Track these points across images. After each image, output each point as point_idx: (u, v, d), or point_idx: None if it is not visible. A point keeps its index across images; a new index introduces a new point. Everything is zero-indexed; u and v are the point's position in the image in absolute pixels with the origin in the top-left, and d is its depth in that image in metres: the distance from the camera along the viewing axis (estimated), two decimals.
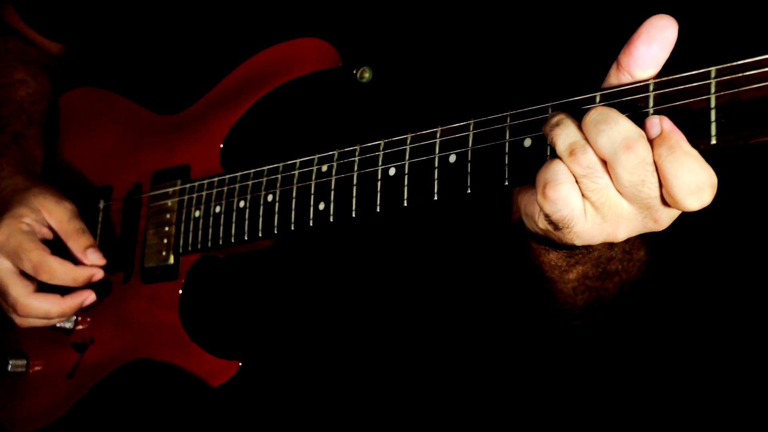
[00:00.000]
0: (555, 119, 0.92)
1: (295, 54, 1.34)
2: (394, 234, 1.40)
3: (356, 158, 1.16)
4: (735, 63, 0.84)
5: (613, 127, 0.86)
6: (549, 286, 1.21)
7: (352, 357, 1.44)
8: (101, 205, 1.56)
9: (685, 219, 0.93)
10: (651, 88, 0.90)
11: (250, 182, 1.30)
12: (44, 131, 1.69)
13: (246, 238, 1.30)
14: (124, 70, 1.69)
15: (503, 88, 1.31)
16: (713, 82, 0.86)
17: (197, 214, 1.38)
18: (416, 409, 1.45)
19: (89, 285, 1.45)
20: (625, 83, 0.92)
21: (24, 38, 1.75)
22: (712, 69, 0.86)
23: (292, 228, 1.23)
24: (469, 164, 1.04)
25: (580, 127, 0.89)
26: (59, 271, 1.40)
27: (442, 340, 1.47)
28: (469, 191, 1.04)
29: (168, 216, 1.43)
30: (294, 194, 1.23)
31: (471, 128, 1.04)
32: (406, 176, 1.09)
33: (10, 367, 1.59)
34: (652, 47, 0.90)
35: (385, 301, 1.44)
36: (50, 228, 1.46)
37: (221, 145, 1.40)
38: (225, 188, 1.34)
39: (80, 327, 1.53)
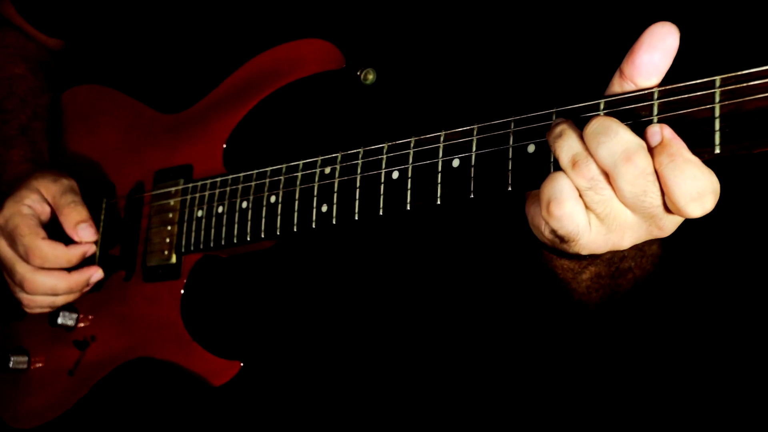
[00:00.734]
0: (558, 129, 0.91)
1: (298, 55, 1.34)
2: (396, 236, 1.40)
3: (359, 161, 1.16)
4: (740, 72, 0.84)
5: (613, 139, 0.86)
6: (564, 285, 1.22)
7: (354, 358, 1.44)
8: (104, 202, 1.57)
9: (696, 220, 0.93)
10: (655, 96, 0.90)
11: (252, 183, 1.30)
12: (47, 127, 1.70)
13: (248, 239, 1.30)
14: (125, 67, 1.69)
15: (508, 91, 1.31)
16: (718, 91, 0.86)
17: (200, 213, 1.38)
18: (418, 409, 1.45)
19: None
20: (629, 91, 0.92)
21: (22, 32, 1.75)
22: (717, 78, 0.86)
23: (295, 229, 1.23)
24: (472, 169, 1.04)
25: (582, 138, 0.89)
26: (50, 254, 1.40)
27: (445, 341, 1.47)
28: (472, 196, 1.04)
29: (170, 215, 1.43)
30: (297, 196, 1.23)
31: (475, 133, 1.05)
32: (410, 180, 1.09)
33: (11, 363, 1.59)
34: (654, 56, 0.90)
35: (387, 302, 1.44)
36: (49, 204, 1.46)
37: (224, 145, 1.40)
38: (228, 188, 1.34)
39: (82, 325, 1.54)
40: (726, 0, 1.39)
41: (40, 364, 1.59)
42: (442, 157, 1.07)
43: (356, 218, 1.15)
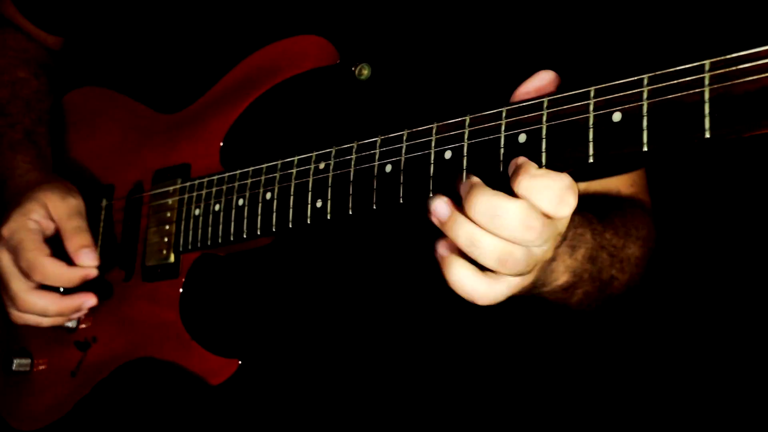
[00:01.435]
0: (463, 236, 0.93)
1: (293, 51, 1.34)
2: (394, 231, 1.40)
3: (353, 156, 1.16)
4: (729, 56, 0.84)
5: (506, 217, 0.89)
6: (558, 305, 1.26)
7: (352, 355, 1.44)
8: (103, 204, 1.57)
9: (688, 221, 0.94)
10: (645, 82, 0.89)
11: (248, 180, 1.30)
12: (50, 130, 1.70)
13: (245, 236, 1.30)
14: (124, 67, 1.69)
15: (502, 85, 1.30)
16: (707, 75, 0.85)
17: (197, 212, 1.38)
18: (416, 407, 1.45)
19: (89, 285, 1.44)
20: (619, 79, 0.92)
21: (22, 32, 1.76)
22: (706, 62, 0.85)
23: (290, 225, 1.23)
24: (464, 159, 1.03)
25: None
26: (52, 273, 1.40)
27: (442, 338, 1.46)
28: None
29: (168, 214, 1.43)
30: (292, 192, 1.23)
31: (467, 124, 1.04)
32: (402, 173, 1.09)
33: (14, 366, 1.60)
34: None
35: (385, 298, 1.43)
36: (55, 222, 1.46)
37: (221, 144, 1.40)
38: (224, 186, 1.34)
39: (83, 326, 1.54)
40: None
41: (43, 366, 1.59)
42: (435, 149, 1.06)
43: (350, 213, 1.15)
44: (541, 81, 0.98)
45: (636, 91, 0.90)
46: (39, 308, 1.42)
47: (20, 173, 1.56)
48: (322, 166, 1.20)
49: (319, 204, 1.19)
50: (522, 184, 0.90)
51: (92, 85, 1.68)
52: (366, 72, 1.36)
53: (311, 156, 1.22)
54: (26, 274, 1.41)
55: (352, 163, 1.15)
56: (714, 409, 1.81)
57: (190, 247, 1.39)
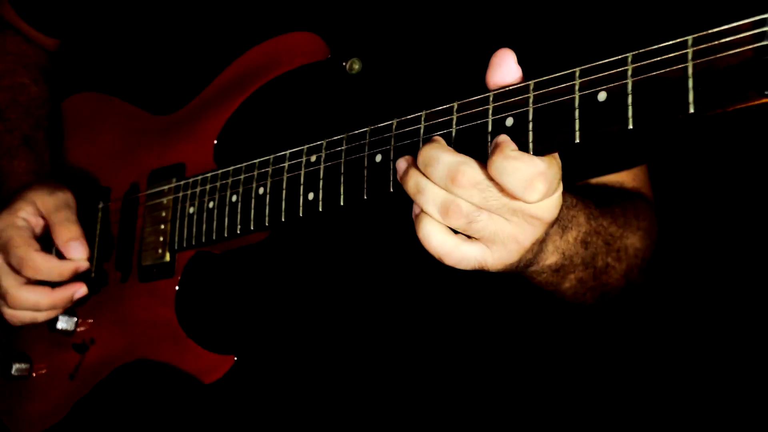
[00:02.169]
0: (410, 183, 0.96)
1: (284, 48, 1.34)
2: (389, 227, 1.40)
3: (343, 147, 1.16)
4: (711, 31, 0.84)
5: (437, 166, 0.93)
6: (551, 294, 1.26)
7: (348, 351, 1.43)
8: (100, 206, 1.57)
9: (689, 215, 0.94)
10: (629, 60, 0.89)
11: (242, 176, 1.31)
12: (48, 136, 1.71)
13: (238, 232, 1.30)
14: (119, 69, 1.70)
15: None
16: (690, 51, 0.85)
17: (191, 210, 1.39)
18: (413, 404, 1.44)
19: (81, 278, 1.45)
20: (603, 59, 0.92)
21: (20, 35, 1.77)
22: (689, 38, 0.85)
23: (283, 219, 1.23)
24: (453, 145, 1.03)
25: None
26: (43, 267, 1.41)
27: (439, 335, 1.46)
28: None
29: (164, 214, 1.44)
30: (284, 185, 1.23)
31: (455, 110, 1.04)
32: (392, 162, 1.09)
33: (14, 370, 1.60)
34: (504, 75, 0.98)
35: (380, 295, 1.43)
36: (44, 217, 1.47)
37: (215, 142, 1.40)
38: (218, 183, 1.35)
39: (81, 328, 1.54)
40: None
41: (42, 370, 1.59)
42: (424, 137, 1.06)
43: (341, 204, 1.15)
44: (507, 69, 0.99)
45: (620, 69, 0.90)
46: (31, 302, 1.42)
47: (15, 178, 1.57)
48: (313, 159, 1.20)
49: (311, 196, 1.19)
50: (494, 164, 0.91)
51: (88, 87, 1.69)
52: (357, 66, 1.37)
53: (303, 149, 1.22)
54: (17, 271, 1.41)
55: (343, 154, 1.15)
56: (714, 409, 1.80)
57: (185, 245, 1.39)
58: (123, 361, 1.46)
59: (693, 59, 0.84)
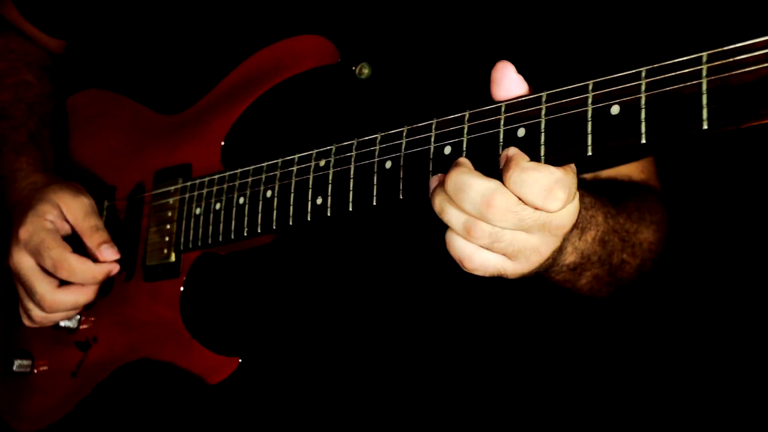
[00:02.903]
0: (437, 203, 0.98)
1: (294, 51, 1.34)
2: (394, 229, 1.40)
3: (353, 152, 1.16)
4: (726, 48, 0.84)
5: (469, 192, 0.93)
6: (567, 290, 1.27)
7: (353, 353, 1.44)
8: (105, 205, 1.57)
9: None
10: (643, 75, 0.90)
11: (249, 179, 1.31)
12: (52, 133, 1.71)
13: (245, 234, 1.30)
14: (126, 69, 1.70)
15: None
16: (705, 67, 0.85)
17: (198, 211, 1.39)
18: (416, 406, 1.44)
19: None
20: (617, 72, 0.92)
21: (24, 35, 1.76)
22: (704, 54, 0.86)
23: (291, 223, 1.23)
24: (464, 154, 1.03)
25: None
26: (78, 269, 1.41)
27: (443, 337, 1.46)
28: None
29: (170, 214, 1.44)
30: (292, 189, 1.23)
31: (466, 119, 1.04)
32: (402, 168, 1.09)
33: (15, 366, 1.60)
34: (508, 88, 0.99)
35: (385, 297, 1.43)
36: (69, 223, 1.47)
37: (222, 143, 1.41)
38: (225, 185, 1.35)
39: (84, 326, 1.54)
40: None
41: (44, 367, 1.59)
42: (434, 144, 1.07)
43: (350, 209, 1.15)
44: (509, 81, 1.00)
45: (634, 83, 0.90)
46: (70, 303, 1.44)
47: (24, 175, 1.57)
48: (322, 163, 1.20)
49: (319, 201, 1.19)
50: (511, 178, 0.92)
51: (95, 87, 1.69)
52: (366, 71, 1.37)
53: (312, 153, 1.22)
54: (51, 273, 1.42)
55: (352, 159, 1.16)
56: (714, 409, 1.81)
57: (191, 246, 1.39)
58: (126, 360, 1.46)
59: (707, 75, 0.85)
